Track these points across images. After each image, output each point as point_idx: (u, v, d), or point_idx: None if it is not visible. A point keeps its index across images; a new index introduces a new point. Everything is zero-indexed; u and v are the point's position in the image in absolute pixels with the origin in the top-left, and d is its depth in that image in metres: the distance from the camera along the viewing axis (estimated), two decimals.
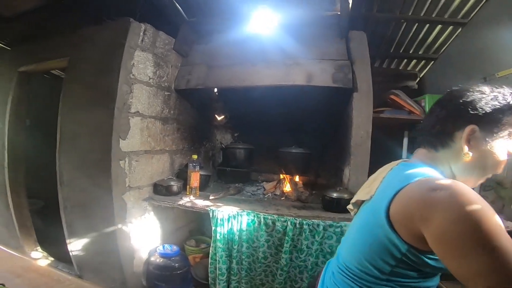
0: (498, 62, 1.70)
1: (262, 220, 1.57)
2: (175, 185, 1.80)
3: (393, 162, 0.80)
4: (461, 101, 0.66)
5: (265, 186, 2.16)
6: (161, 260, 1.76)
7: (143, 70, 1.67)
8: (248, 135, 2.47)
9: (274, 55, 1.83)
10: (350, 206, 0.94)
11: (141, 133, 1.67)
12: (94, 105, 1.56)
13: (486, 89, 0.66)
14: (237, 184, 2.10)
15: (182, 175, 1.98)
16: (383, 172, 0.78)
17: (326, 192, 1.62)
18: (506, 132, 0.63)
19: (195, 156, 1.84)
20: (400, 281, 0.64)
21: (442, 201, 0.51)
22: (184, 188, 1.85)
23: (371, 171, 1.69)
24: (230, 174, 2.25)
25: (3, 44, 2.45)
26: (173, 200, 1.73)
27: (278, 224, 1.54)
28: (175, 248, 1.82)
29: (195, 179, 1.79)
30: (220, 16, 2.00)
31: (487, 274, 0.45)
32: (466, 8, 1.96)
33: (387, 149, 2.03)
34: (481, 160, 0.65)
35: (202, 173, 1.88)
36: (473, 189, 0.54)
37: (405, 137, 2.06)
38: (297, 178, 2.17)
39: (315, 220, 1.49)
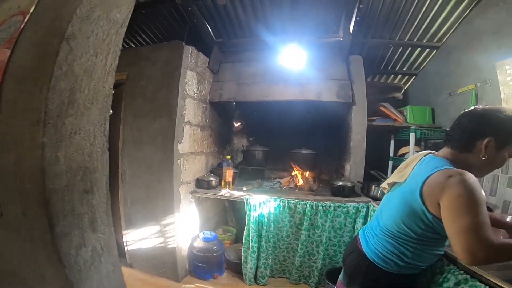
0: (458, 81, 2.48)
1: (286, 204, 2.29)
2: (213, 180, 2.50)
3: (421, 153, 1.16)
4: (485, 118, 0.99)
5: (281, 181, 2.90)
6: (203, 244, 2.41)
7: (191, 86, 2.35)
8: (262, 139, 3.21)
9: (291, 75, 2.58)
10: (384, 185, 1.27)
11: (190, 138, 2.36)
12: (155, 116, 2.21)
13: (504, 111, 0.97)
14: (257, 180, 2.82)
15: (214, 173, 2.67)
16: (413, 161, 1.13)
17: (333, 182, 2.39)
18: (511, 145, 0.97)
19: (228, 156, 2.55)
20: (426, 241, 1.01)
21: (453, 183, 0.86)
22: (220, 183, 2.55)
23: (367, 166, 2.50)
24: (249, 172, 2.97)
25: None
26: (213, 192, 2.43)
27: (299, 206, 2.28)
28: (213, 233, 2.50)
29: (229, 175, 2.50)
30: (242, 38, 2.74)
31: (465, 231, 0.80)
32: (440, 34, 2.76)
33: (378, 149, 2.85)
34: (491, 162, 0.99)
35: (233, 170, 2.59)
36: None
37: (392, 139, 2.89)
38: (306, 174, 2.93)
39: (327, 202, 2.24)
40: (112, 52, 0.87)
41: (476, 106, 1.05)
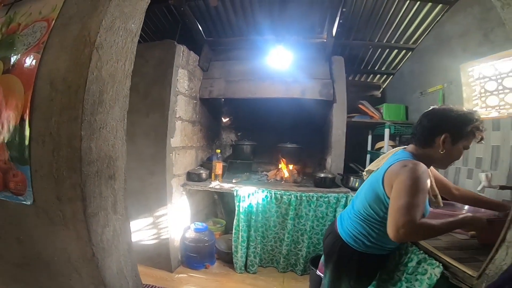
0: (429, 81, 2.75)
1: (273, 195, 2.49)
2: (204, 173, 2.66)
3: (396, 148, 1.38)
4: (440, 117, 1.16)
5: (267, 173, 3.11)
6: (195, 235, 2.56)
7: (182, 84, 2.49)
8: (249, 134, 3.41)
9: (278, 74, 2.78)
10: (365, 173, 1.53)
11: (181, 133, 2.51)
12: (149, 111, 2.34)
13: (455, 110, 1.13)
14: (246, 173, 3.01)
15: (204, 166, 2.83)
16: (389, 154, 1.38)
17: (316, 174, 2.63)
18: (465, 139, 1.12)
19: (218, 150, 2.72)
20: None
21: (405, 170, 1.03)
22: (209, 176, 2.72)
23: (346, 159, 2.76)
24: (238, 165, 3.15)
25: None
26: (204, 184, 2.59)
27: (285, 197, 2.49)
28: (204, 224, 2.67)
29: (219, 168, 2.67)
30: (231, 37, 2.90)
31: (398, 209, 0.96)
32: (415, 36, 3.02)
33: (357, 143, 3.12)
34: (449, 154, 1.15)
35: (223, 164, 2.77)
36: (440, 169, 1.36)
37: (369, 134, 3.17)
38: (291, 167, 3.15)
39: (310, 193, 2.47)
40: (128, 58, 1.02)
41: (433, 107, 1.23)
